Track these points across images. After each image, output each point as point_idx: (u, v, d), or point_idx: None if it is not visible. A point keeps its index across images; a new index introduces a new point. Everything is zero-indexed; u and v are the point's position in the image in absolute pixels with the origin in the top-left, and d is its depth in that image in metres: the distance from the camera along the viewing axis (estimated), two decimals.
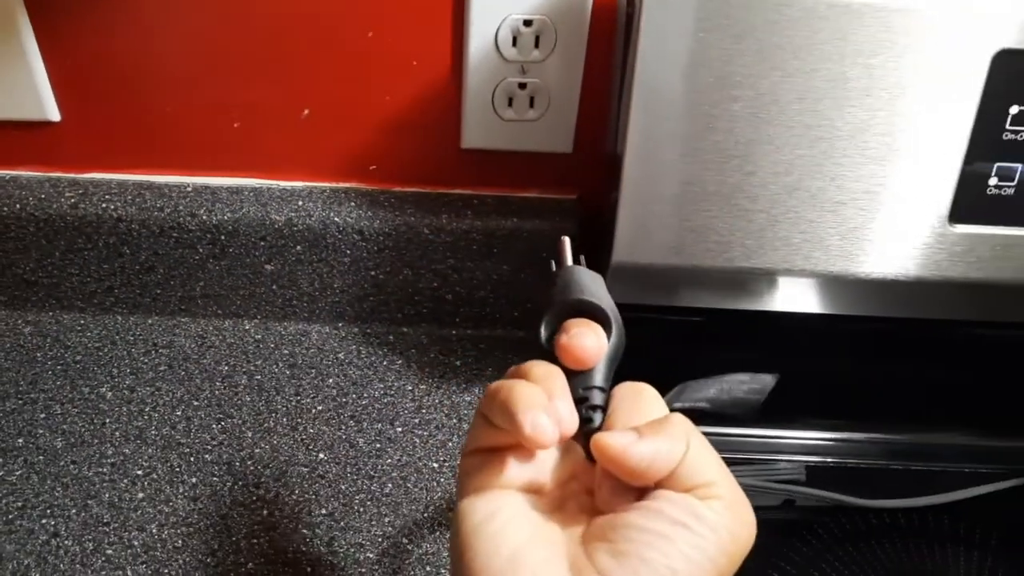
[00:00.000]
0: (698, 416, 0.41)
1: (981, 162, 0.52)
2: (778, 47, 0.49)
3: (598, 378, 0.37)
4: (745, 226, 0.54)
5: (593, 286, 0.39)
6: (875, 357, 0.68)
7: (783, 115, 0.51)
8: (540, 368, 0.36)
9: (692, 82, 0.50)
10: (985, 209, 0.53)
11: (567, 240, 0.42)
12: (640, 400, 0.36)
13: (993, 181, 0.53)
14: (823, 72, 0.50)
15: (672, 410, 0.36)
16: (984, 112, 0.51)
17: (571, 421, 0.35)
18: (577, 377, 0.37)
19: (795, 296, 0.58)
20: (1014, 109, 0.51)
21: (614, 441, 0.34)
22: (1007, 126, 0.51)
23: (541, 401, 0.34)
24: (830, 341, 0.65)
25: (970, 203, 0.53)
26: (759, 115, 0.51)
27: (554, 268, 0.41)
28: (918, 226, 0.54)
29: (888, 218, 0.53)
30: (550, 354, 0.38)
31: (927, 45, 0.49)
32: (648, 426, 0.34)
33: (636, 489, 0.35)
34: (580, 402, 0.36)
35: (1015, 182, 0.53)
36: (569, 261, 0.41)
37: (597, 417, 0.36)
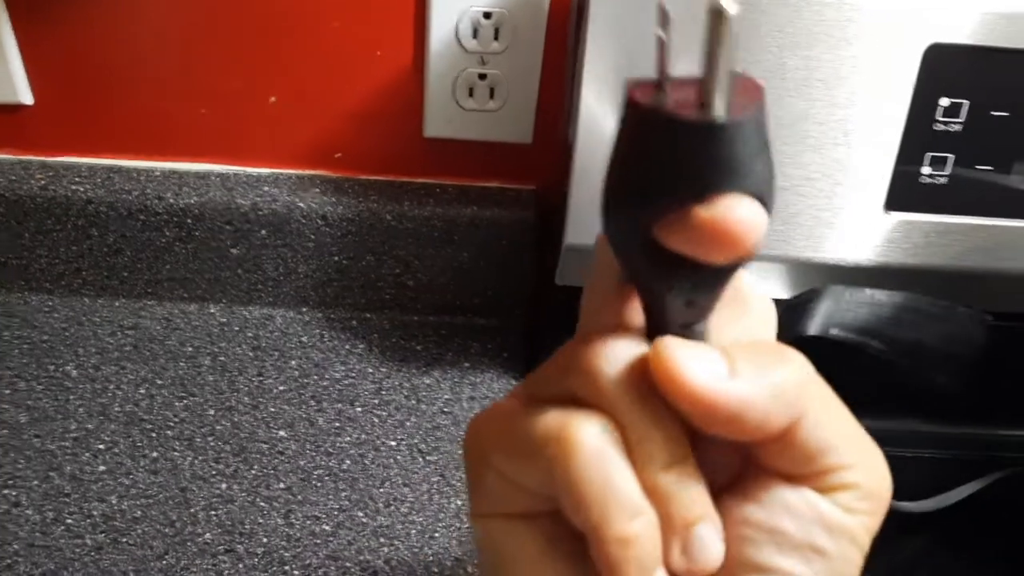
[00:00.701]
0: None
1: (914, 152, 0.55)
2: None
3: (709, 311, 0.24)
4: None
5: (756, 164, 0.22)
6: (816, 343, 0.71)
7: None
8: (655, 438, 0.23)
9: (638, 72, 0.52)
10: (919, 197, 0.56)
11: (730, 14, 0.21)
12: (746, 314, 0.25)
13: (926, 170, 0.55)
14: (763, 62, 0.52)
15: (814, 335, 0.27)
16: (916, 104, 0.53)
17: (719, 550, 0.23)
18: (679, 311, 0.24)
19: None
20: (945, 101, 0.54)
21: (693, 370, 0.22)
22: (938, 118, 0.54)
23: (657, 556, 0.22)
24: (780, 326, 0.67)
25: (905, 191, 0.56)
26: None
27: (666, 89, 0.23)
28: (856, 213, 0.56)
29: (827, 204, 0.56)
30: (645, 263, 0.23)
31: (862, 38, 0.52)
32: (750, 353, 0.23)
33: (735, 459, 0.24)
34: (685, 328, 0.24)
35: (947, 171, 0.55)
36: (719, 104, 0.22)
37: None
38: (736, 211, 0.21)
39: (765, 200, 0.22)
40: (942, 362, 0.25)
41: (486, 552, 0.26)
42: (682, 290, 0.23)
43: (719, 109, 0.21)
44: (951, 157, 0.55)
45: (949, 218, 0.56)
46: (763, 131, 0.22)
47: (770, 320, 0.26)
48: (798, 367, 0.23)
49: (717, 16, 0.21)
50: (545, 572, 0.24)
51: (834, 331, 0.28)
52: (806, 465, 0.23)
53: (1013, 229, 0.56)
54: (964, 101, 0.54)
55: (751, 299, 0.26)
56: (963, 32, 0.52)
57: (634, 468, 0.23)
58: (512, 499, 0.25)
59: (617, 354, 0.23)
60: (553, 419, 0.23)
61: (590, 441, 0.23)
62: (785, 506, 0.23)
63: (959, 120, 0.54)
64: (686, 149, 0.21)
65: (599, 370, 0.23)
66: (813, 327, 0.28)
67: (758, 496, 0.24)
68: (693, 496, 0.23)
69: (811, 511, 0.23)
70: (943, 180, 0.55)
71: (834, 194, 0.55)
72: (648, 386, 0.23)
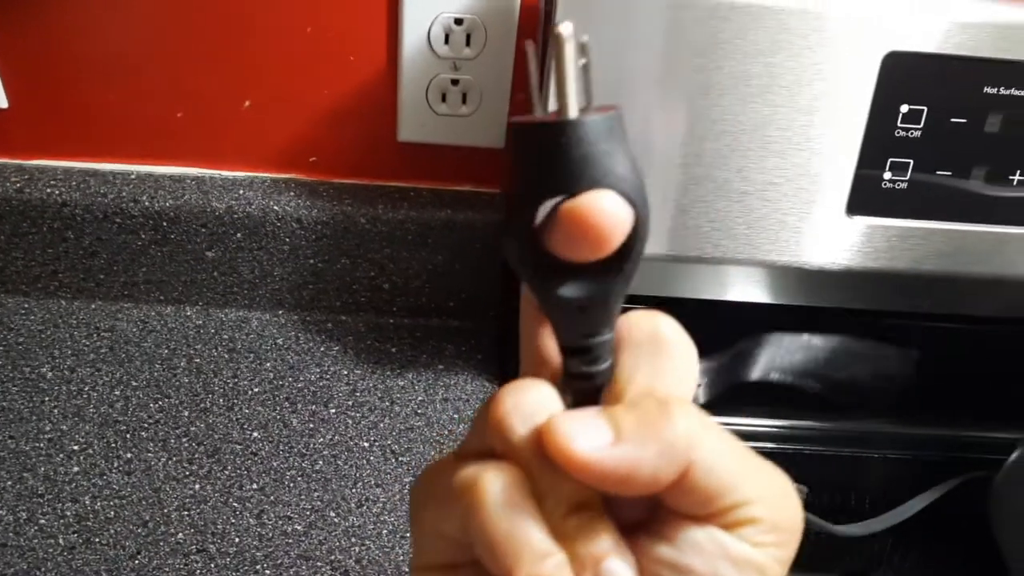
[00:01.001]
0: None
1: (875, 157, 0.56)
2: (682, 45, 0.52)
3: (607, 320, 0.26)
4: (655, 214, 0.56)
5: (613, 162, 0.24)
6: (794, 345, 0.72)
7: (690, 109, 0.54)
8: (560, 481, 0.24)
9: (603, 78, 0.53)
10: (880, 201, 0.57)
11: (568, 35, 0.24)
12: (662, 356, 0.26)
13: (887, 175, 0.57)
14: (726, 69, 0.53)
15: (756, 380, 0.28)
16: (876, 110, 0.55)
17: None
18: (579, 317, 0.25)
19: (705, 283, 0.61)
20: (904, 108, 0.55)
21: (580, 443, 0.23)
22: (898, 124, 0.55)
23: None
24: (743, 327, 0.68)
25: (866, 196, 0.57)
26: (666, 109, 0.54)
27: (537, 107, 0.25)
28: (819, 217, 0.57)
29: (790, 208, 0.57)
30: (534, 282, 0.26)
31: (823, 46, 0.53)
32: (637, 413, 0.24)
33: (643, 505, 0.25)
34: (579, 354, 0.26)
35: (907, 176, 0.56)
36: (573, 107, 0.24)
37: (603, 372, 0.26)
38: (598, 204, 0.23)
39: (630, 197, 0.24)
40: (873, 396, 0.28)
41: None
42: (573, 295, 0.25)
43: (571, 113, 0.24)
44: (911, 162, 0.56)
45: (910, 222, 0.57)
46: (618, 135, 0.24)
47: (689, 364, 0.27)
48: (684, 419, 0.24)
49: (556, 38, 0.24)
50: None
51: (774, 375, 0.31)
52: (707, 506, 0.24)
53: (972, 233, 0.57)
54: (923, 107, 0.55)
55: (670, 342, 0.26)
56: (921, 40, 0.53)
57: (543, 515, 0.24)
58: (440, 550, 0.26)
59: (524, 409, 0.25)
60: (469, 471, 0.25)
61: (497, 491, 0.24)
62: (693, 544, 0.24)
63: (918, 126, 0.55)
64: (546, 150, 0.24)
65: (509, 426, 0.25)
66: (756, 373, 0.31)
67: (668, 535, 0.25)
68: (601, 535, 0.24)
69: (718, 548, 0.24)
70: (903, 185, 0.57)
71: (797, 198, 0.57)
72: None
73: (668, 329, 0.26)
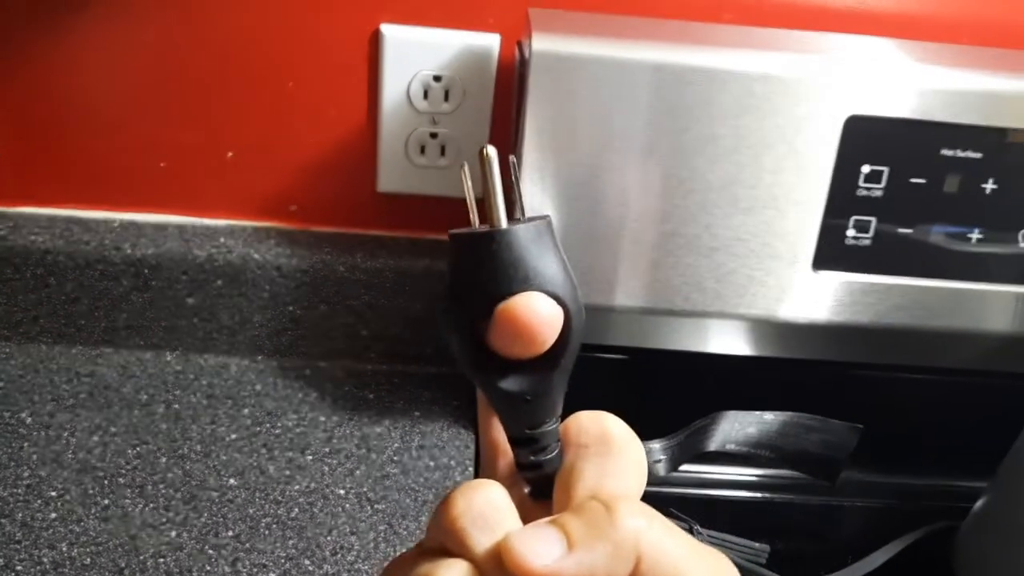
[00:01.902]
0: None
1: (839, 215, 0.58)
2: (652, 107, 0.54)
3: (549, 411, 0.27)
4: (627, 268, 0.58)
5: (542, 264, 0.26)
6: (757, 396, 0.73)
7: (659, 168, 0.56)
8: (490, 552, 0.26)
9: (577, 136, 0.55)
10: (844, 257, 0.59)
11: (494, 157, 0.26)
12: (610, 456, 0.28)
13: (851, 232, 0.58)
14: (693, 131, 0.55)
15: (709, 452, 0.30)
16: (839, 170, 0.57)
17: None
18: (524, 407, 0.27)
19: (675, 335, 0.62)
20: (866, 168, 0.57)
21: (535, 560, 0.25)
22: (860, 183, 0.57)
23: None
24: (713, 379, 0.69)
25: (831, 252, 0.59)
26: (638, 167, 0.56)
27: (475, 221, 0.27)
28: (785, 272, 0.59)
29: (757, 264, 0.59)
30: (479, 378, 0.28)
31: (786, 109, 0.55)
32: (586, 517, 0.26)
33: None
34: (526, 444, 0.28)
35: (870, 234, 0.58)
36: (502, 217, 0.26)
37: (551, 460, 0.28)
38: (529, 304, 0.25)
39: (559, 297, 0.26)
40: (821, 466, 0.31)
41: None
42: (514, 388, 0.27)
43: (501, 223, 0.26)
44: (873, 220, 0.58)
45: (873, 277, 0.59)
46: (547, 242, 0.26)
47: (636, 462, 0.28)
48: (631, 518, 0.25)
49: (485, 158, 0.26)
50: None
51: (730, 446, 0.34)
52: None
53: (933, 289, 0.59)
54: (884, 168, 0.57)
55: (617, 442, 0.28)
56: (881, 104, 0.55)
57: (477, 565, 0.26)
58: None
59: (474, 510, 0.27)
60: (423, 569, 0.26)
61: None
62: None
63: (880, 186, 0.57)
64: (480, 256, 0.26)
65: (460, 528, 0.26)
66: (713, 445, 0.34)
67: None
68: None
69: None
70: (867, 241, 0.58)
71: (764, 254, 0.58)
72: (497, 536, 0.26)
73: (615, 429, 0.28)
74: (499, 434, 0.30)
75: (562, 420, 0.29)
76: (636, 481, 0.28)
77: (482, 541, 0.26)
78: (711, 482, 0.71)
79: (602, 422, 0.28)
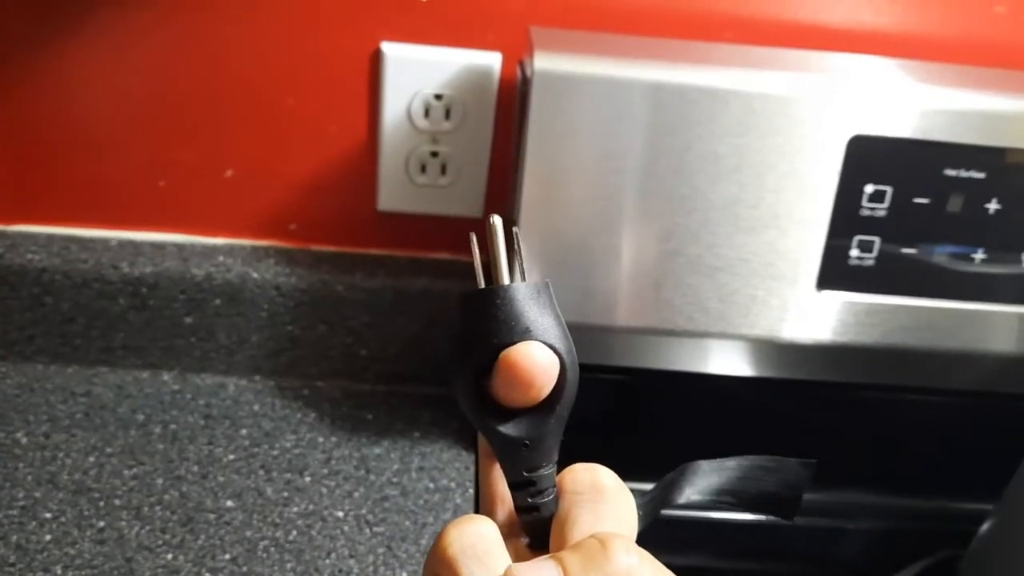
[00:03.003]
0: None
1: (843, 234, 0.58)
2: (653, 126, 0.54)
3: (545, 455, 0.30)
4: (629, 288, 0.58)
5: (541, 319, 0.29)
6: (759, 416, 0.73)
7: (661, 187, 0.55)
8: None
9: (578, 155, 0.55)
10: (848, 277, 0.58)
11: (497, 221, 0.29)
12: (601, 503, 0.30)
13: (855, 252, 0.58)
14: (695, 150, 0.55)
15: (681, 504, 0.32)
16: (843, 190, 0.56)
17: None
18: (524, 451, 0.29)
19: (678, 355, 0.62)
20: (869, 188, 0.57)
21: None
22: (863, 203, 0.57)
23: None
24: (714, 399, 0.69)
25: (835, 271, 0.58)
26: (639, 187, 0.55)
27: (481, 282, 0.30)
28: (789, 292, 0.59)
29: (761, 284, 0.58)
30: (483, 426, 0.30)
31: (789, 128, 0.55)
32: (582, 555, 0.27)
33: None
34: (524, 487, 0.30)
35: (874, 253, 0.58)
36: (505, 277, 0.29)
37: (547, 504, 0.30)
38: (527, 351, 0.28)
39: (555, 347, 0.29)
40: (781, 504, 0.33)
41: None
42: (514, 433, 0.29)
43: (504, 281, 0.29)
44: (877, 240, 0.58)
45: (877, 297, 0.59)
46: (545, 300, 0.29)
47: (627, 508, 0.30)
48: (624, 554, 0.27)
49: (489, 227, 0.29)
50: None
51: (695, 496, 0.36)
52: None
53: (937, 309, 0.59)
54: (887, 188, 0.56)
55: (609, 491, 0.30)
56: (884, 124, 0.55)
57: None
58: None
59: (464, 540, 0.29)
60: None
61: None
62: None
63: (884, 205, 0.57)
64: (483, 310, 0.29)
65: (451, 556, 0.28)
66: (682, 498, 0.36)
67: None
68: None
69: None
70: (871, 261, 0.58)
71: (767, 274, 0.58)
72: (493, 564, 0.28)
73: (607, 480, 0.30)
74: (499, 484, 0.32)
75: (559, 469, 0.31)
76: (628, 525, 0.29)
77: (474, 571, 0.28)
78: (704, 504, 0.70)
79: (595, 473, 0.30)
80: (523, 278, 0.29)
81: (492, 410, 0.29)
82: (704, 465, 0.37)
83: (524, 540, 0.32)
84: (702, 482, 0.40)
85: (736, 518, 0.70)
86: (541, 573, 0.27)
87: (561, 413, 0.29)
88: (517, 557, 0.29)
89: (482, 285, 0.29)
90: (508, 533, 0.31)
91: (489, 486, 0.32)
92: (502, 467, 0.31)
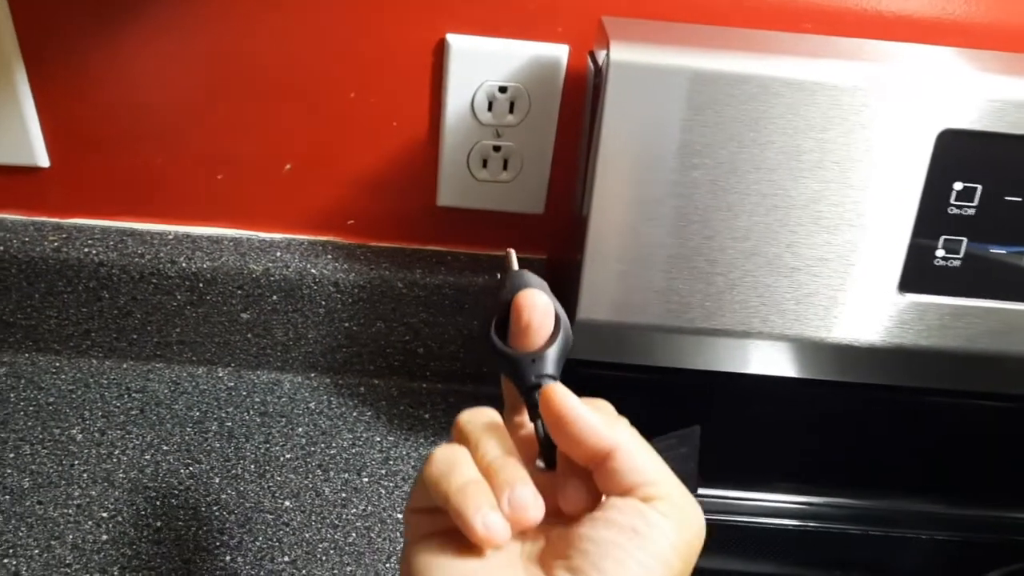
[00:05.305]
0: None
1: (928, 234, 0.55)
2: (734, 120, 0.52)
3: (550, 367, 0.39)
4: (704, 288, 0.56)
5: (539, 286, 0.41)
6: (834, 421, 0.70)
7: (740, 184, 0.53)
8: (490, 440, 0.36)
9: (654, 150, 0.53)
10: (933, 279, 0.56)
11: (513, 251, 0.45)
12: (594, 405, 0.38)
13: (940, 253, 0.55)
14: (777, 144, 0.52)
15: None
16: (930, 187, 0.54)
17: (537, 507, 0.34)
18: (532, 364, 0.39)
19: (752, 358, 0.59)
20: (958, 185, 0.54)
21: (564, 398, 0.36)
22: (952, 201, 0.54)
23: (489, 499, 0.34)
24: (787, 403, 0.67)
25: (918, 273, 0.56)
26: (717, 183, 0.53)
27: (500, 276, 0.45)
28: (870, 293, 0.56)
29: (841, 285, 0.56)
30: (498, 355, 0.40)
31: (875, 122, 0.52)
32: (589, 405, 0.36)
33: (590, 494, 0.36)
34: (534, 388, 0.38)
35: (961, 254, 0.55)
36: (515, 267, 0.43)
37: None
38: (529, 293, 0.40)
39: (546, 292, 0.41)
40: (686, 481, 0.37)
41: (408, 534, 0.38)
42: (533, 368, 0.39)
43: (514, 265, 0.44)
44: (964, 240, 0.55)
45: (963, 300, 0.56)
46: (543, 282, 0.42)
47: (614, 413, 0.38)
48: (615, 415, 0.37)
49: (506, 255, 0.45)
50: (436, 553, 0.35)
51: None
52: (630, 478, 0.35)
53: None
54: (977, 185, 0.54)
55: (600, 404, 0.38)
56: (975, 118, 0.52)
57: (476, 463, 0.36)
58: (418, 499, 0.37)
59: (474, 413, 0.39)
60: (449, 467, 0.36)
61: (443, 448, 0.36)
62: (617, 506, 0.35)
63: (972, 204, 0.54)
64: (503, 283, 0.42)
65: (462, 422, 0.38)
66: None
67: (604, 505, 0.35)
68: (515, 471, 0.35)
69: (634, 509, 0.34)
70: (957, 263, 0.55)
71: (848, 275, 0.55)
72: (490, 427, 0.37)
73: (596, 400, 0.38)
74: (520, 418, 0.42)
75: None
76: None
77: (475, 429, 0.37)
78: (765, 510, 0.68)
79: (587, 399, 0.38)
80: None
81: (513, 351, 0.40)
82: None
83: (539, 463, 0.39)
84: None
85: (786, 524, 0.68)
86: (566, 394, 0.36)
87: (561, 348, 0.40)
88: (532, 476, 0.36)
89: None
90: (526, 459, 0.37)
91: (511, 428, 0.41)
92: (518, 385, 0.39)
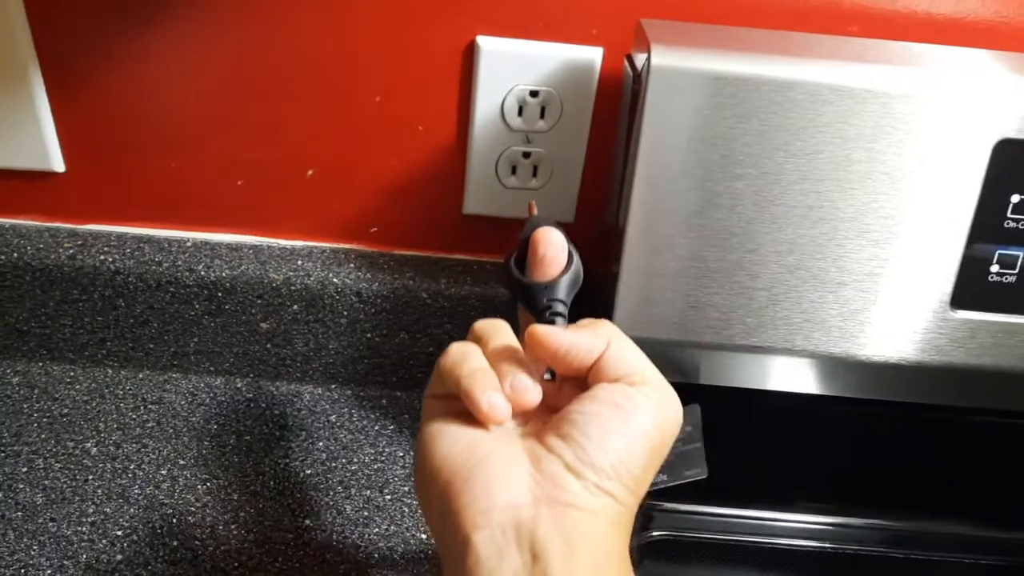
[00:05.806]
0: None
1: (983, 248, 0.52)
2: (781, 128, 0.49)
3: (561, 292, 0.44)
4: (746, 304, 0.53)
5: (556, 227, 0.45)
6: (874, 441, 0.67)
7: (785, 195, 0.51)
8: (499, 339, 0.41)
9: (695, 159, 0.50)
10: (987, 295, 0.53)
11: (534, 202, 0.50)
12: (594, 324, 0.42)
13: (995, 268, 0.53)
14: (826, 154, 0.50)
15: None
16: (985, 199, 0.51)
17: (535, 391, 0.39)
18: (544, 290, 0.43)
19: (795, 376, 0.57)
20: (1015, 198, 0.51)
21: (541, 329, 0.40)
22: (1008, 214, 0.51)
23: (494, 383, 0.39)
24: (830, 423, 0.64)
25: (972, 289, 0.53)
26: (761, 194, 0.51)
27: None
28: (919, 310, 0.53)
29: (889, 301, 0.53)
30: (515, 283, 0.44)
31: (929, 132, 0.50)
32: (576, 325, 0.41)
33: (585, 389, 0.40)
34: (546, 310, 0.43)
35: (1016, 270, 0.53)
36: (535, 212, 0.48)
37: (559, 322, 0.43)
38: (544, 228, 0.44)
39: (559, 227, 0.45)
40: (688, 464, 0.42)
41: (425, 417, 0.41)
42: (545, 292, 0.43)
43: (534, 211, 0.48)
44: (1021, 255, 0.52)
45: (1019, 318, 0.53)
46: (559, 226, 0.45)
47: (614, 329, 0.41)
48: (606, 324, 0.41)
49: (529, 204, 0.50)
50: (448, 425, 0.39)
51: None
52: (615, 371, 0.39)
53: None
54: None
55: (601, 321, 0.42)
56: None
57: (487, 356, 0.40)
58: (435, 386, 0.42)
59: (488, 321, 0.43)
60: (462, 358, 0.40)
61: (458, 343, 0.41)
62: (605, 388, 0.38)
63: None
64: (524, 224, 0.46)
65: (477, 326, 0.43)
66: None
67: (593, 387, 0.39)
68: (518, 363, 0.40)
69: (619, 389, 0.38)
70: (1012, 278, 0.53)
71: (897, 291, 0.53)
72: (500, 330, 0.42)
73: (599, 320, 0.42)
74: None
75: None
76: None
77: (493, 335, 0.41)
78: (794, 532, 0.65)
79: (590, 319, 0.42)
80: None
81: (529, 281, 0.44)
82: None
83: (547, 376, 0.42)
84: None
85: (817, 546, 0.65)
86: (552, 328, 0.40)
87: (572, 278, 0.44)
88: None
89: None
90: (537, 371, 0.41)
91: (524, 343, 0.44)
92: (531, 308, 0.43)
